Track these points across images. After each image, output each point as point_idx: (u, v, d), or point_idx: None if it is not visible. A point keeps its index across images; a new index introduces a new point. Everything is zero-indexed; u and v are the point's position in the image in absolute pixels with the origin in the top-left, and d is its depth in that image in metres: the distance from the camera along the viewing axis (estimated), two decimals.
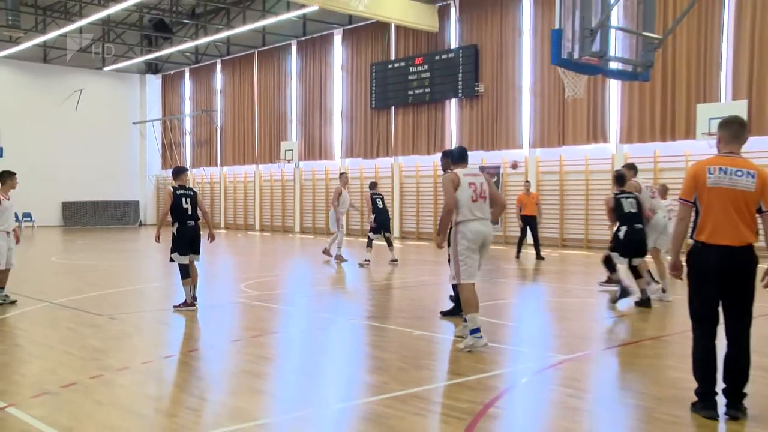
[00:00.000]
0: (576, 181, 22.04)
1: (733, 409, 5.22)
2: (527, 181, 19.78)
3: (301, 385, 6.44)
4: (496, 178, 23.69)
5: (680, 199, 5.40)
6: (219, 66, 35.20)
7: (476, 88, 24.00)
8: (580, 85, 12.41)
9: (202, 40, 31.59)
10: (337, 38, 29.16)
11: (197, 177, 36.42)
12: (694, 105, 19.06)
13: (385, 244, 16.31)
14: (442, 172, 8.47)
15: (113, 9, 27.00)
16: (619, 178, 10.84)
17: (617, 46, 11.28)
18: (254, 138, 32.99)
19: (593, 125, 21.29)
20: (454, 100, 25.04)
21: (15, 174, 10.88)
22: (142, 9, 29.94)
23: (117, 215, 37.14)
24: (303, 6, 24.62)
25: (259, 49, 32.51)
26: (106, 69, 36.69)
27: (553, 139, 22.23)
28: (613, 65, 11.29)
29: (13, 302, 10.56)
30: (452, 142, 24.97)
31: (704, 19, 19.10)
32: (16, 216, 11.41)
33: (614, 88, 20.83)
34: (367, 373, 6.91)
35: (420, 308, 10.22)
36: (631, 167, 11.29)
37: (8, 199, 10.57)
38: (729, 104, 18.52)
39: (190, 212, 9.99)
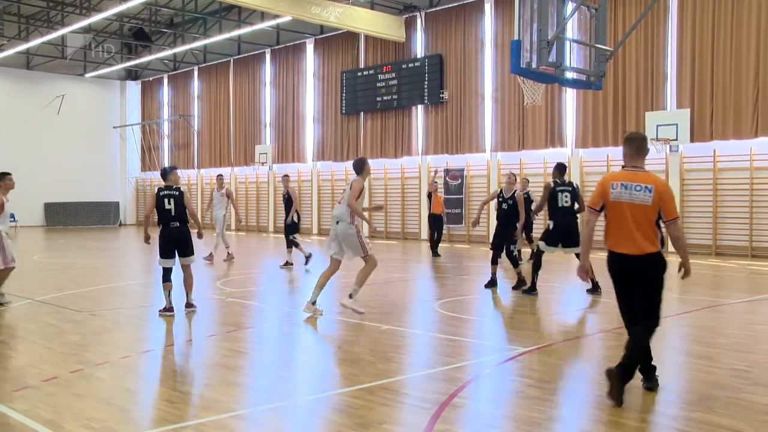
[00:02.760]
0: (535, 183, 22.15)
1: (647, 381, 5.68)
2: (435, 182, 19.68)
3: (274, 377, 6.38)
4: (460, 180, 23.78)
5: (588, 206, 5.65)
6: (196, 73, 34.85)
7: (441, 95, 24.06)
8: (539, 93, 12.50)
9: (180, 48, 31.24)
10: (309, 47, 29.04)
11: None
12: (642, 112, 19.33)
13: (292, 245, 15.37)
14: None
15: (95, 18, 26.59)
16: (561, 168, 11.01)
17: (572, 57, 11.38)
18: (230, 141, 32.73)
19: (551, 131, 21.47)
20: (420, 106, 25.07)
21: (10, 174, 10.39)
22: (122, 18, 29.55)
23: (98, 216, 36.58)
24: (277, 16, 24.50)
25: (235, 57, 32.25)
26: (87, 75, 36.15)
27: (513, 143, 22.37)
28: (569, 75, 11.39)
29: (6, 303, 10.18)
30: (419, 146, 25.03)
31: (651, 34, 19.40)
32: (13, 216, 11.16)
33: (570, 96, 21.03)
34: (338, 366, 6.88)
35: (388, 304, 10.20)
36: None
37: (7, 200, 10.23)
38: (674, 112, 18.84)
39: (173, 213, 9.17)
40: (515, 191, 11.60)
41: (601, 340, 7.91)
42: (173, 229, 9.28)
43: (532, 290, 10.88)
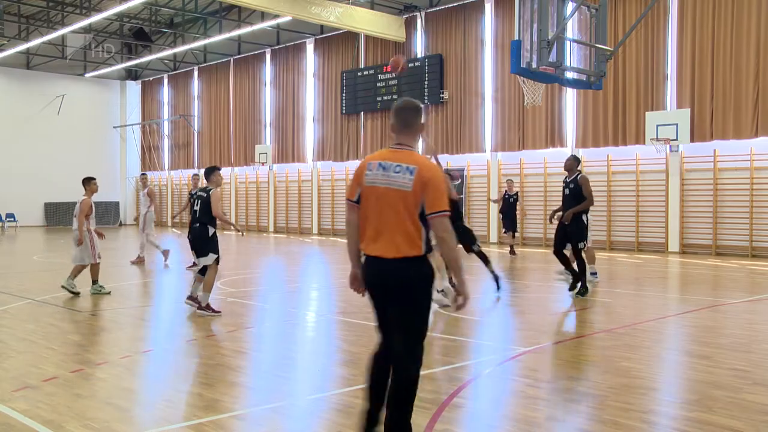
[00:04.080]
0: (535, 183, 22.21)
1: None
2: None
3: (274, 377, 6.38)
4: (460, 180, 23.79)
5: (346, 198, 4.36)
6: (196, 73, 34.85)
7: (441, 95, 24.06)
8: (539, 93, 12.51)
9: (180, 48, 31.25)
10: (309, 47, 29.04)
11: (175, 179, 36.07)
12: (643, 112, 19.34)
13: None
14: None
15: (95, 18, 26.60)
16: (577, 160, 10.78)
17: (572, 57, 11.40)
18: (230, 141, 32.73)
19: (551, 131, 21.48)
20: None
21: (95, 179, 11.54)
22: (122, 18, 29.56)
23: (98, 216, 35.82)
24: (277, 16, 24.50)
25: (235, 57, 32.25)
26: (87, 75, 36.16)
27: (513, 143, 22.37)
28: (569, 75, 11.41)
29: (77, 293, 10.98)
30: (419, 147, 24.95)
31: (651, 34, 19.41)
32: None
33: (570, 96, 21.04)
34: (338, 366, 6.88)
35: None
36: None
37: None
38: (674, 112, 18.85)
39: (197, 215, 9.49)
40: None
41: (601, 340, 7.91)
42: (192, 230, 9.64)
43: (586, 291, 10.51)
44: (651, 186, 19.87)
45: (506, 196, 18.37)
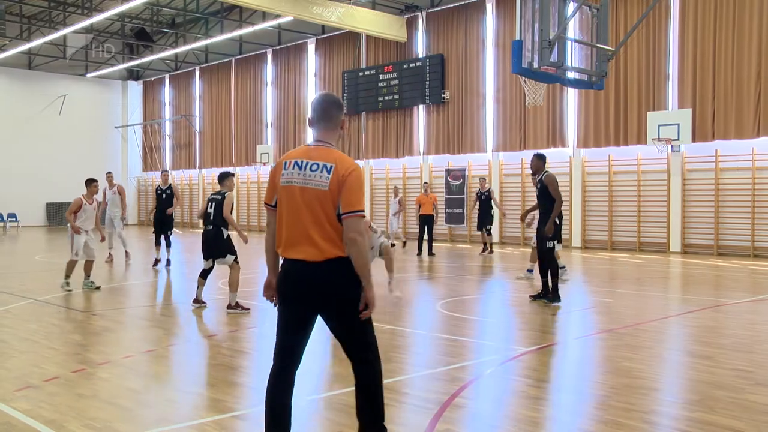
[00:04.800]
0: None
1: None
2: (426, 183, 20.05)
3: None
4: (461, 181, 23.79)
5: (264, 203, 4.12)
6: (198, 73, 34.87)
7: (442, 95, 24.06)
8: (540, 93, 12.49)
9: (182, 48, 31.26)
10: (311, 47, 29.05)
11: (177, 179, 36.07)
12: (644, 112, 19.33)
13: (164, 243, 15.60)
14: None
15: (96, 18, 26.62)
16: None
17: (574, 57, 11.38)
18: (231, 141, 32.76)
19: (552, 131, 21.47)
20: (421, 107, 25.08)
21: (97, 181, 11.82)
22: (124, 18, 29.58)
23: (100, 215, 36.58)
24: (278, 16, 24.50)
25: (236, 57, 32.26)
26: (88, 75, 36.18)
27: (515, 143, 22.37)
28: (570, 75, 11.39)
29: (98, 288, 11.59)
30: (420, 146, 25.04)
31: (653, 34, 19.40)
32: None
33: (571, 96, 21.03)
34: (339, 366, 6.87)
35: (389, 304, 10.20)
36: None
37: (91, 203, 11.59)
38: (676, 112, 18.84)
39: (211, 217, 9.64)
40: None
41: (601, 340, 7.91)
42: (205, 232, 9.74)
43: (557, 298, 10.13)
44: (652, 186, 19.86)
45: (479, 194, 18.38)
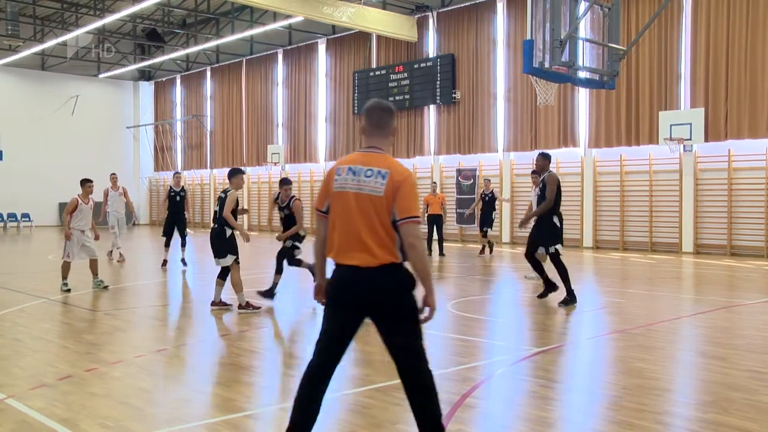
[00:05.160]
0: None
1: None
2: (434, 182, 20.00)
3: (287, 377, 6.40)
4: (472, 181, 23.76)
5: (315, 208, 4.15)
6: (209, 73, 34.99)
7: (453, 95, 24.03)
8: (551, 92, 12.46)
9: (193, 49, 31.38)
10: (321, 47, 29.09)
11: (188, 179, 36.21)
12: (656, 112, 19.23)
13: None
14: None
15: (108, 19, 26.77)
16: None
17: (585, 56, 11.35)
18: (242, 141, 32.85)
19: (563, 130, 21.40)
20: (432, 107, 25.06)
21: (92, 182, 11.99)
22: (135, 19, 29.73)
23: None
24: (289, 17, 24.55)
25: (247, 57, 32.35)
26: (101, 76, 36.39)
27: (525, 143, 22.31)
28: (582, 74, 11.36)
29: (106, 287, 11.63)
30: (431, 146, 25.03)
31: (665, 33, 19.30)
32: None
33: (583, 95, 20.95)
34: (351, 366, 6.88)
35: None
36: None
37: (87, 203, 11.69)
38: (688, 111, 18.73)
39: (217, 216, 9.66)
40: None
41: (613, 340, 7.87)
42: (211, 231, 9.76)
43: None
44: (664, 186, 19.76)
45: (483, 195, 18.33)
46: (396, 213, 3.80)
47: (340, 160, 4.05)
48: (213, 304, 9.68)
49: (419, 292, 3.88)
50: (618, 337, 7.96)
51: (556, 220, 9.87)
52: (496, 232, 22.55)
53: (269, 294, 10.34)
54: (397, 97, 25.68)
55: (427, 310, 3.89)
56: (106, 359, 6.83)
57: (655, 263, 16.58)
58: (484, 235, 18.45)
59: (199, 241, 23.78)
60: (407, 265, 3.91)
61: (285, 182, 10.66)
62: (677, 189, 19.37)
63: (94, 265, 11.70)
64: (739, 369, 6.38)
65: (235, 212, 9.58)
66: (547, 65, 10.49)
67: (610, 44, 11.19)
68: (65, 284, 11.35)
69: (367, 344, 7.71)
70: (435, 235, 18.53)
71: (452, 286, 12.99)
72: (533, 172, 10.92)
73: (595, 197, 21.00)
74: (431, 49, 25.22)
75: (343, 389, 5.92)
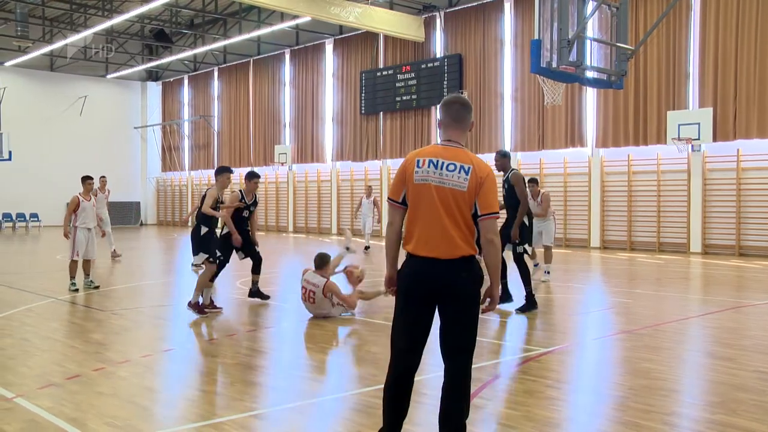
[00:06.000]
0: (555, 183, 22.09)
1: None
2: None
3: (293, 377, 6.41)
4: None
5: (388, 198, 4.15)
6: (216, 73, 35.08)
7: (460, 95, 23.99)
8: (559, 92, 12.43)
9: (200, 49, 31.46)
10: (329, 47, 29.12)
11: (195, 179, 36.32)
12: (664, 112, 19.17)
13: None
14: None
15: (116, 20, 26.87)
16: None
17: (593, 56, 11.31)
18: (249, 142, 32.92)
19: (571, 130, 21.35)
20: (439, 106, 25.02)
21: (92, 179, 11.99)
22: (143, 20, 29.83)
23: (119, 216, 36.82)
24: (296, 17, 24.58)
25: (255, 58, 32.41)
26: (109, 76, 36.53)
27: (533, 143, 22.28)
28: (589, 74, 11.32)
29: (97, 287, 11.56)
30: (439, 140, 24.98)
31: (673, 32, 19.23)
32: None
33: (590, 95, 20.90)
34: (357, 366, 6.89)
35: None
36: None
37: (88, 200, 11.63)
38: (696, 111, 18.66)
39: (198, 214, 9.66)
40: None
41: (620, 340, 7.85)
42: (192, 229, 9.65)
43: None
44: (672, 186, 19.69)
45: None
46: (478, 208, 3.90)
47: (419, 151, 4.08)
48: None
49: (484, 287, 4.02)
50: (625, 338, 7.94)
51: (525, 219, 9.54)
52: None
53: (258, 294, 10.31)
54: (404, 97, 25.68)
55: (488, 301, 4.07)
56: (114, 359, 6.85)
57: (662, 263, 16.52)
58: None
59: None
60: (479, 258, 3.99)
61: (255, 175, 10.17)
62: (685, 189, 19.30)
63: (87, 265, 11.72)
64: (747, 370, 6.35)
65: (216, 209, 9.35)
66: (554, 65, 10.46)
67: (618, 44, 11.15)
68: (74, 284, 11.40)
69: (372, 344, 7.72)
70: None
71: None
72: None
73: (602, 197, 20.95)
74: (438, 49, 25.21)
75: (349, 389, 5.92)
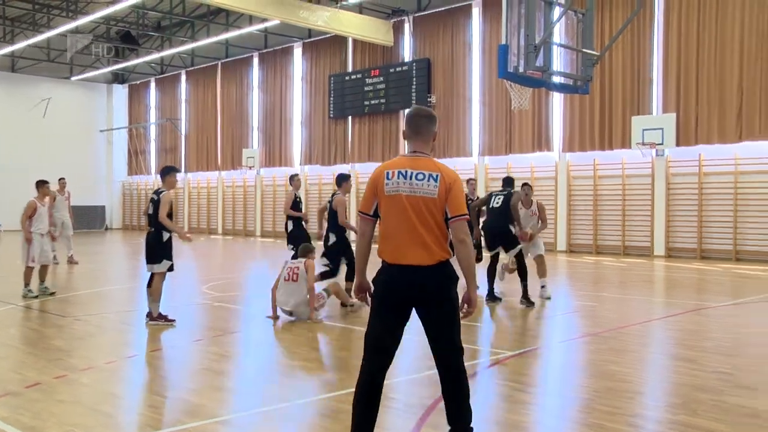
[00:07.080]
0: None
1: None
2: None
3: (260, 382, 6.35)
4: None
5: (359, 212, 4.31)
6: (184, 76, 34.73)
7: (429, 99, 24.10)
8: (526, 97, 12.55)
9: (168, 52, 31.14)
10: (297, 51, 29.02)
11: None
12: (629, 117, 19.45)
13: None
14: None
15: (81, 21, 26.45)
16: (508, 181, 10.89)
17: (559, 61, 11.45)
18: (217, 145, 32.64)
19: (538, 135, 21.55)
20: (407, 110, 25.07)
21: (48, 183, 11.63)
22: (109, 21, 29.40)
23: (84, 220, 36.22)
24: (265, 20, 24.46)
25: (223, 61, 32.17)
26: (73, 78, 35.94)
27: (500, 147, 22.43)
28: (556, 79, 11.45)
29: (53, 293, 11.34)
30: (406, 151, 25.00)
31: (637, 39, 19.53)
32: None
33: (557, 100, 21.12)
34: (325, 370, 6.86)
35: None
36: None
37: (44, 205, 11.44)
38: (660, 116, 18.97)
39: (150, 219, 8.80)
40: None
41: (585, 343, 7.93)
42: (147, 235, 8.89)
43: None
44: (637, 190, 19.98)
45: (468, 199, 18.28)
46: (449, 211, 4.10)
47: (387, 164, 4.25)
48: (151, 318, 8.85)
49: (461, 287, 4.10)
50: (590, 341, 8.02)
51: (514, 228, 10.25)
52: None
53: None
54: (373, 101, 25.69)
55: (467, 306, 4.18)
56: (76, 365, 6.72)
57: (627, 267, 16.75)
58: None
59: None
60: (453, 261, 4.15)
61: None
62: (649, 193, 19.60)
63: (44, 270, 11.48)
64: (706, 371, 6.46)
65: (171, 215, 8.74)
66: (521, 70, 10.56)
67: (584, 49, 11.30)
68: (29, 290, 11.11)
69: (340, 349, 7.69)
70: None
71: None
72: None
73: (569, 201, 21.17)
74: (407, 53, 25.27)
75: (316, 394, 5.89)
